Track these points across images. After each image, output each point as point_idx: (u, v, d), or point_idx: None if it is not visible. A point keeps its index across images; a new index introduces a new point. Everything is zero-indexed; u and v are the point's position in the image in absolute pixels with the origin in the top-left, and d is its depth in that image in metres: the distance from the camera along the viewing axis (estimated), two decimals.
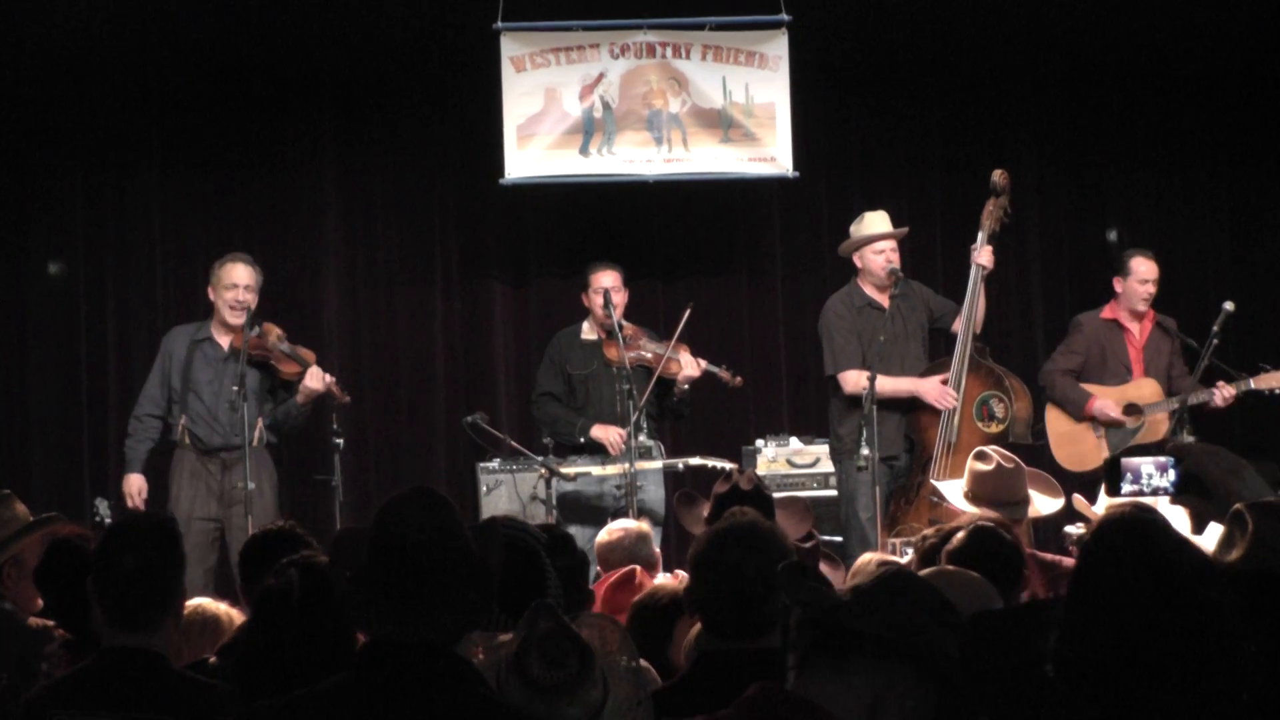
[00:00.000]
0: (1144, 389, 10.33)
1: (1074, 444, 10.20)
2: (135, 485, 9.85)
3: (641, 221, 11.97)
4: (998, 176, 10.17)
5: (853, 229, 10.38)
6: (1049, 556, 6.25)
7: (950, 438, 9.83)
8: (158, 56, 11.56)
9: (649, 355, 10.19)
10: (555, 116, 11.39)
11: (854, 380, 9.98)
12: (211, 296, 9.92)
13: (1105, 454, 10.11)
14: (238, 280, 9.83)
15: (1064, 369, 10.45)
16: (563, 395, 10.44)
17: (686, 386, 10.27)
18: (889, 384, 9.84)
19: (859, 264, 10.30)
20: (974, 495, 7.00)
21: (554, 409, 10.39)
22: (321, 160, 11.94)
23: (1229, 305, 10.17)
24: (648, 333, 10.42)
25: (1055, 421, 10.39)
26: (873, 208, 10.58)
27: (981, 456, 7.10)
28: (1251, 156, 12.29)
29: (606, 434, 10.16)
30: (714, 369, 10.29)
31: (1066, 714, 2.79)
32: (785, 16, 11.28)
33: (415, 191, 12.02)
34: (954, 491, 7.24)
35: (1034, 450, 10.01)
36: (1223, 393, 10.12)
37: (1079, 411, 10.30)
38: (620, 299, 10.29)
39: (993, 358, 10.19)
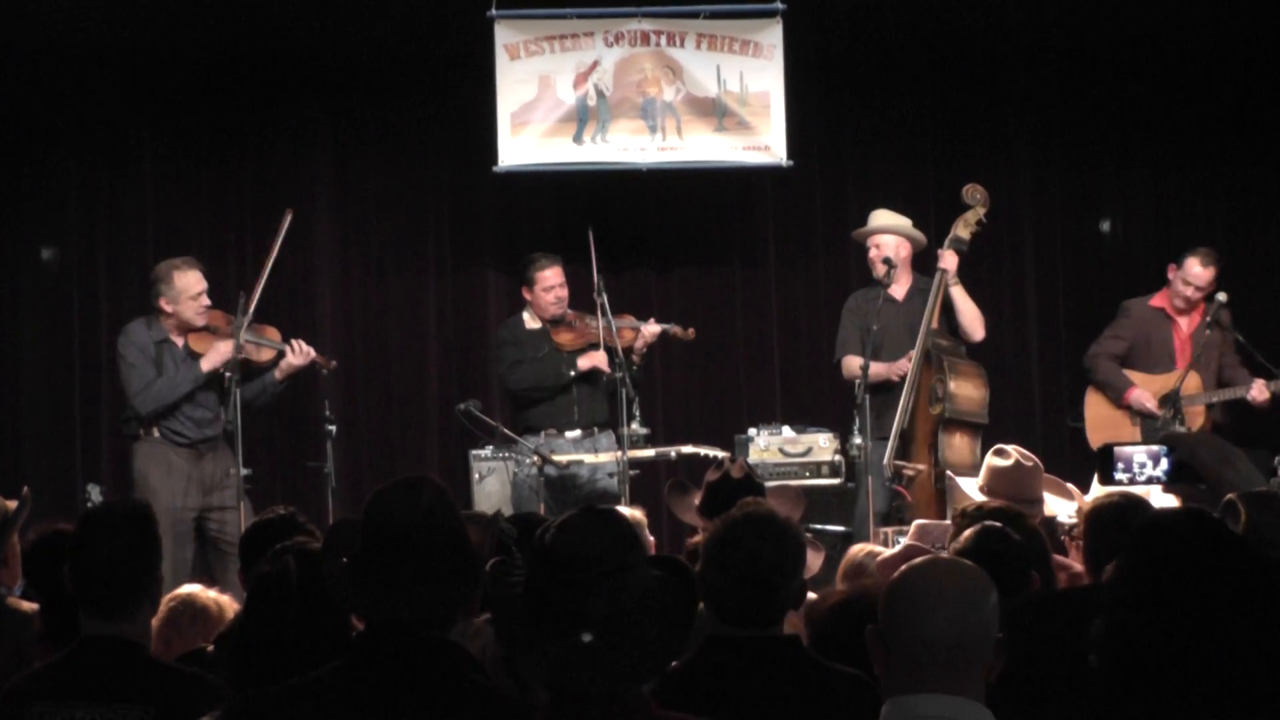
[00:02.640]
0: (1186, 381, 10.34)
1: (1111, 429, 10.25)
2: (222, 350, 9.54)
3: (635, 210, 11.96)
4: (967, 192, 10.31)
5: None
6: (1061, 559, 6.22)
7: (904, 424, 9.89)
8: (151, 46, 11.53)
9: (600, 332, 10.15)
10: (549, 104, 11.38)
11: (845, 367, 10.26)
12: (165, 306, 9.61)
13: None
14: (202, 286, 9.65)
15: (1109, 353, 10.53)
16: None
17: (645, 350, 10.32)
18: (857, 366, 10.04)
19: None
20: (990, 490, 6.98)
21: (528, 369, 10.34)
22: (314, 148, 11.92)
23: (1221, 296, 10.21)
24: (586, 314, 10.37)
25: (1095, 405, 10.51)
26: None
27: (1000, 453, 7.09)
28: (1246, 150, 12.29)
29: (594, 359, 10.17)
30: (666, 327, 10.34)
31: (1112, 703, 2.78)
32: (780, 5, 11.29)
33: (408, 179, 12.01)
34: (970, 487, 7.24)
35: (989, 431, 10.11)
36: (1256, 389, 10.13)
37: (1118, 398, 10.41)
38: (564, 293, 10.34)
39: (969, 354, 10.26)
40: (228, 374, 9.45)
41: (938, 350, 10.06)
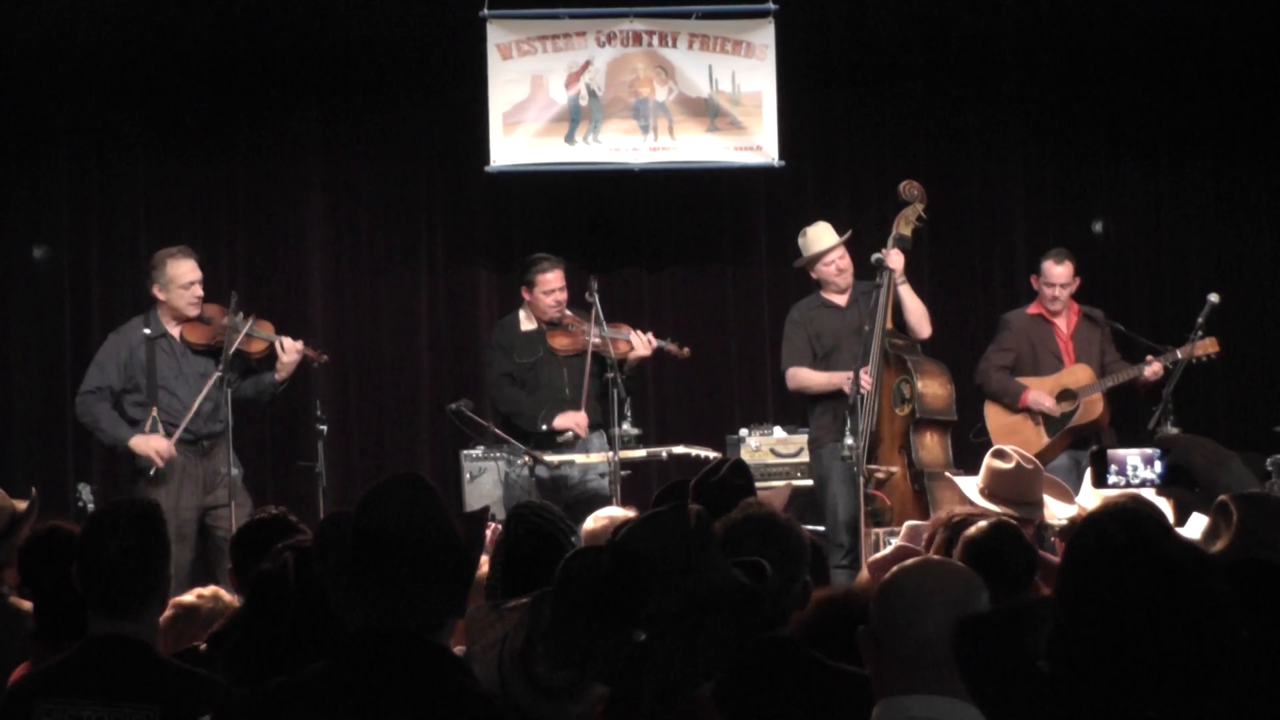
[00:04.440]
0: (1077, 374, 10.53)
1: (1014, 434, 10.30)
2: (158, 443, 9.43)
3: (627, 210, 11.96)
4: (903, 189, 10.28)
5: (800, 244, 10.43)
6: (1051, 558, 6.23)
7: (872, 427, 9.89)
8: (143, 42, 11.52)
9: (598, 340, 10.10)
10: (541, 104, 11.39)
11: (791, 377, 10.30)
12: (158, 294, 9.61)
13: (1045, 440, 10.37)
14: (195, 276, 9.68)
15: (997, 365, 10.65)
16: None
17: (638, 364, 10.30)
18: (820, 378, 10.14)
19: (815, 276, 10.40)
20: (990, 492, 6.97)
21: (515, 393, 10.26)
22: (307, 147, 11.91)
23: (1214, 297, 10.23)
24: (583, 320, 10.32)
25: (994, 416, 10.59)
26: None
27: (1001, 455, 7.07)
28: (1238, 150, 12.31)
29: (568, 420, 10.11)
30: (662, 343, 10.31)
31: (1062, 707, 2.80)
32: (772, 5, 11.32)
33: (400, 178, 12.00)
34: (969, 487, 7.23)
35: (959, 428, 10.20)
36: (1151, 366, 10.27)
37: (1014, 403, 10.50)
38: (564, 296, 10.28)
39: (924, 350, 10.24)
40: (218, 372, 9.44)
41: (896, 350, 10.06)
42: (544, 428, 10.13)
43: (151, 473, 9.42)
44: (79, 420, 9.83)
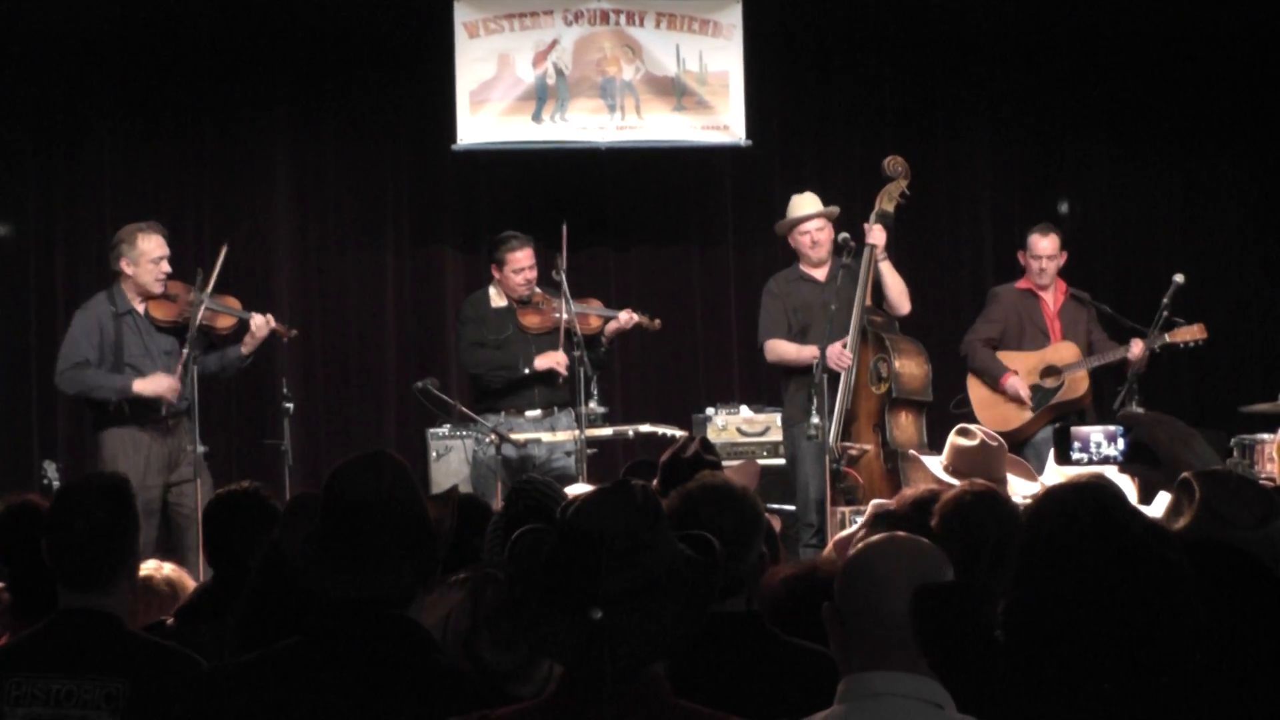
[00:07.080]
0: (1062, 351, 10.56)
1: (996, 407, 10.37)
2: (164, 381, 9.34)
3: (594, 189, 11.96)
4: (888, 164, 10.26)
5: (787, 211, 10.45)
6: None
7: (847, 405, 9.88)
8: (109, 20, 11.47)
9: (566, 317, 10.07)
10: (508, 83, 11.39)
11: (769, 349, 10.21)
12: (125, 268, 9.48)
13: (1027, 414, 10.38)
14: (163, 251, 9.61)
15: (984, 338, 10.68)
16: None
17: (615, 335, 10.29)
18: (792, 350, 10.04)
19: (792, 244, 10.36)
20: (954, 469, 7.00)
21: (489, 353, 10.24)
22: (274, 125, 11.88)
23: (1179, 277, 10.27)
24: (552, 297, 10.29)
25: (977, 389, 10.62)
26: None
27: (965, 433, 7.09)
28: (1204, 131, 12.36)
29: (549, 360, 10.08)
30: (637, 317, 10.31)
31: (1016, 676, 2.82)
32: None
33: (367, 157, 11.98)
34: (935, 465, 7.25)
35: (935, 407, 10.18)
36: (1135, 348, 10.29)
37: (994, 383, 10.51)
38: (534, 275, 10.25)
39: (901, 329, 10.23)
40: (185, 350, 9.38)
41: (874, 328, 10.04)
42: (526, 371, 10.10)
43: (165, 410, 9.33)
44: (67, 393, 9.71)
